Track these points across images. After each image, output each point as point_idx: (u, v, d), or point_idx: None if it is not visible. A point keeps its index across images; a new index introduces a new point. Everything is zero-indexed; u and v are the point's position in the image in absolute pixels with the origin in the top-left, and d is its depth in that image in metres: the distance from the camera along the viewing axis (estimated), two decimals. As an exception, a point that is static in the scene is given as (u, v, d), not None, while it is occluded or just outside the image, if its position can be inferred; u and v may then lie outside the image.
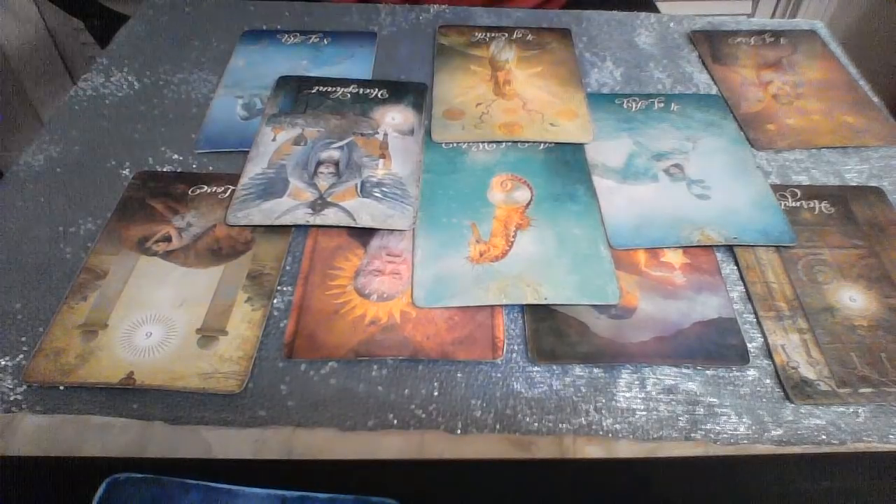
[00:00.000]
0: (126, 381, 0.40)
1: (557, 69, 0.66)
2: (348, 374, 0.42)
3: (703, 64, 0.69)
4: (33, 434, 0.39)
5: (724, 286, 0.47)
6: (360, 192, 0.52)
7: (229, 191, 0.52)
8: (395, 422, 0.40)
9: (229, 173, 0.54)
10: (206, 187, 0.53)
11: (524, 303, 0.45)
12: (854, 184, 0.56)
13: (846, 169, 0.57)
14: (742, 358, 0.43)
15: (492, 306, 0.45)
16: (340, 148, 0.56)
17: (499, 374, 0.42)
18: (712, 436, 0.40)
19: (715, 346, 0.44)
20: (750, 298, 0.47)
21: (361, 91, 0.62)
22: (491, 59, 0.67)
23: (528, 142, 0.58)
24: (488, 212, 0.51)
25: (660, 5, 0.94)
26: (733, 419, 0.40)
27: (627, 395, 0.41)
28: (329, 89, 0.62)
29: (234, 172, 0.54)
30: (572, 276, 0.47)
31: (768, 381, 0.42)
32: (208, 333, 0.43)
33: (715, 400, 0.41)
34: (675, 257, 0.49)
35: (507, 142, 0.58)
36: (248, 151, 0.56)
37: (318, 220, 0.50)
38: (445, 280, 0.46)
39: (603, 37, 0.72)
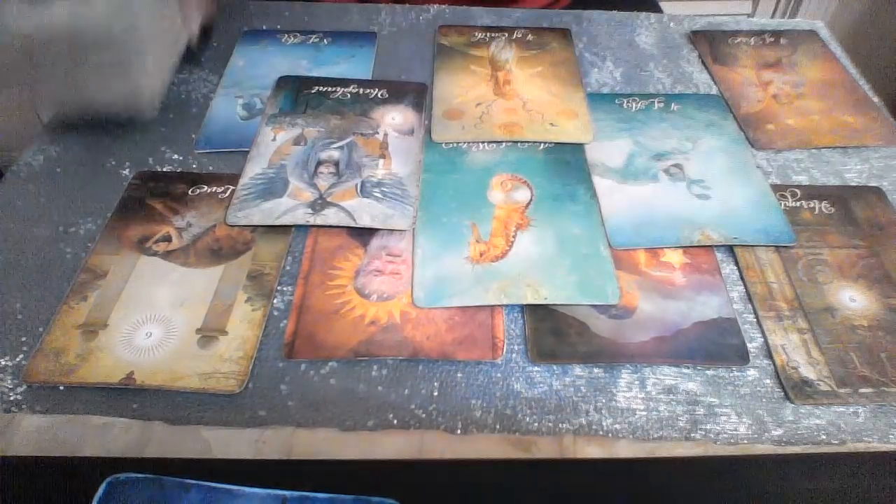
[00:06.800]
0: (126, 381, 0.40)
1: (557, 69, 0.66)
2: (348, 374, 0.42)
3: (703, 64, 0.69)
4: (33, 434, 0.39)
5: (724, 286, 0.47)
6: (360, 192, 0.52)
7: (229, 191, 0.52)
8: (395, 422, 0.40)
9: (229, 173, 0.54)
10: (206, 187, 0.53)
11: (524, 303, 0.45)
12: (854, 184, 0.56)
13: (846, 169, 0.57)
14: (742, 358, 0.43)
15: (492, 306, 0.45)
16: (340, 148, 0.56)
17: (499, 374, 0.42)
18: (712, 436, 0.40)
19: (715, 346, 0.44)
20: (750, 298, 0.47)
21: (361, 91, 0.62)
22: (491, 59, 0.67)
23: (528, 142, 0.58)
24: (488, 212, 0.51)
25: (661, 5, 0.94)
26: (733, 419, 0.40)
27: (627, 395, 0.41)
28: (329, 89, 0.62)
29: (234, 172, 0.54)
30: (572, 276, 0.47)
31: (768, 381, 0.42)
32: (208, 333, 0.43)
33: (715, 400, 0.41)
34: (675, 257, 0.49)
35: (507, 142, 0.58)
36: (248, 151, 0.56)
37: (318, 220, 0.50)
38: (445, 280, 0.46)
39: (603, 37, 0.72)
